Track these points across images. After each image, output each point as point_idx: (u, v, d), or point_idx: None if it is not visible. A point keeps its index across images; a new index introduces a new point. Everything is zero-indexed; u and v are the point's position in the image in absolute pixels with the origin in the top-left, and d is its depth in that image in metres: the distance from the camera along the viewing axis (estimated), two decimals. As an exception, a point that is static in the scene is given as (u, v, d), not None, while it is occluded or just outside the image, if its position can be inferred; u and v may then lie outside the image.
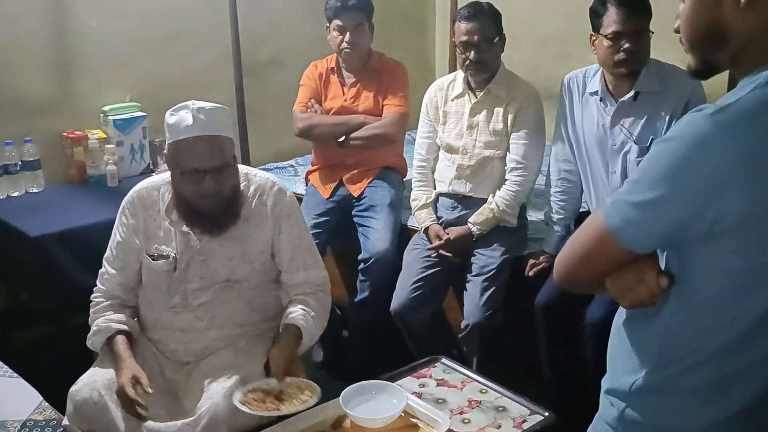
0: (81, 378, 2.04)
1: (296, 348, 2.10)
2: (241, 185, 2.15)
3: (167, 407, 2.03)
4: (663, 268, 1.15)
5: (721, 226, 1.03)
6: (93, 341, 2.13)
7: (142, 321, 2.22)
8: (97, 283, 2.20)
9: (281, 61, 3.91)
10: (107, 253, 2.20)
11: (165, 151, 2.08)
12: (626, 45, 2.32)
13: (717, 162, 1.00)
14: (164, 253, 2.12)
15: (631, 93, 2.39)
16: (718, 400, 1.14)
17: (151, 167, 3.37)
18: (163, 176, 2.20)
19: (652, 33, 2.36)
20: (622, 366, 1.23)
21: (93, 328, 2.12)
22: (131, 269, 2.18)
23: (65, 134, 3.22)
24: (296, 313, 2.11)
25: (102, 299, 2.17)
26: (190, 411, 1.99)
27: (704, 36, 1.11)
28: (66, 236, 2.75)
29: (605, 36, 2.34)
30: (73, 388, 2.01)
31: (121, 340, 2.08)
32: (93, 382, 2.00)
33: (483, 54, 2.65)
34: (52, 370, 2.35)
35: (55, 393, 2.03)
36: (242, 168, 2.20)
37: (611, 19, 2.32)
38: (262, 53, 3.82)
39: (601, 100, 2.47)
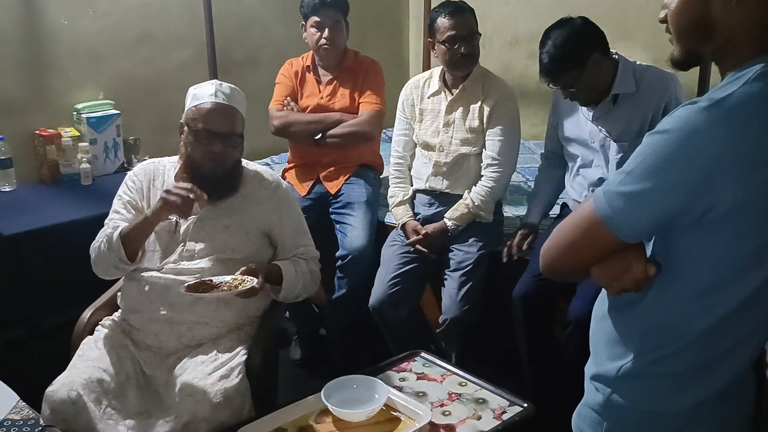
0: (58, 378, 2.02)
1: (268, 274, 2.18)
2: (243, 168, 2.29)
3: (147, 403, 2.03)
4: (648, 255, 1.17)
5: (712, 216, 1.05)
6: (108, 251, 2.10)
7: (127, 304, 2.22)
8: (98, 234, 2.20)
9: (256, 60, 3.91)
10: (110, 215, 2.24)
11: (181, 120, 2.21)
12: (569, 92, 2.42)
13: (709, 154, 1.03)
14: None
15: (610, 97, 2.43)
16: (699, 382, 1.18)
17: (126, 165, 3.34)
18: (167, 158, 2.33)
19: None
20: (607, 353, 1.25)
21: (102, 245, 2.12)
22: None
23: (38, 132, 3.18)
24: (282, 262, 2.25)
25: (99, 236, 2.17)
26: (170, 408, 1.99)
27: (692, 28, 1.14)
28: (39, 235, 2.71)
29: None
30: (49, 389, 1.98)
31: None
32: (71, 382, 1.98)
33: (471, 47, 2.69)
34: (26, 375, 2.31)
35: (29, 396, 2.00)
36: (242, 159, 2.31)
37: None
38: (236, 52, 3.81)
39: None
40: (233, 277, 2.09)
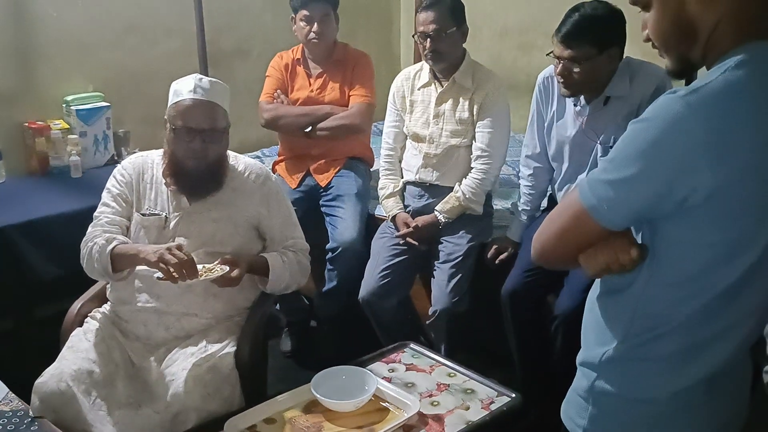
0: (47, 369, 2.02)
1: (254, 266, 2.19)
2: (231, 162, 2.28)
3: (137, 394, 2.03)
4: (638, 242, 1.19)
5: (692, 202, 1.07)
6: (97, 260, 2.08)
7: (116, 296, 2.22)
8: (89, 228, 2.18)
9: (245, 52, 3.90)
10: (98, 209, 2.23)
11: (165, 116, 2.19)
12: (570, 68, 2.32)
13: (688, 141, 1.04)
14: (155, 212, 2.20)
15: (601, 97, 2.40)
16: (684, 368, 1.19)
17: (116, 158, 3.33)
18: (156, 151, 2.31)
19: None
20: (594, 338, 1.27)
21: (93, 249, 2.09)
22: (123, 218, 2.21)
23: (27, 124, 3.17)
24: (269, 254, 2.24)
25: (95, 235, 2.14)
26: (160, 398, 2.00)
27: (674, 34, 1.15)
28: (29, 227, 2.71)
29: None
30: (38, 381, 1.99)
31: (124, 244, 2.11)
32: (60, 374, 1.99)
33: (437, 44, 2.68)
34: (15, 366, 2.31)
35: (19, 387, 2.00)
36: (231, 152, 2.30)
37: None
38: (225, 44, 3.80)
39: (573, 102, 2.48)
40: (205, 265, 2.07)
